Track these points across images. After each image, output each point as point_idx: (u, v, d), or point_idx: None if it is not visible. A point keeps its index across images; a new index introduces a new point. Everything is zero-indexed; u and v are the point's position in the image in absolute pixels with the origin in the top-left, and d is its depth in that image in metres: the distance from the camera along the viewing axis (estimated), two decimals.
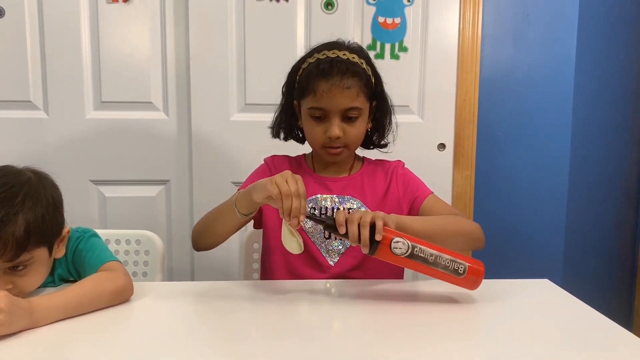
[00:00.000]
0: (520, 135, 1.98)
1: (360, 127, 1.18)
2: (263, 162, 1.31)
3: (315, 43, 1.23)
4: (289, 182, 0.96)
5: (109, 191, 1.86)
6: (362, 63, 1.17)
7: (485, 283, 1.02)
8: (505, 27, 1.92)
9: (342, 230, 0.95)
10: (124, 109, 1.83)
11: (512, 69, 1.94)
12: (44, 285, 1.03)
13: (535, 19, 1.92)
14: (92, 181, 1.84)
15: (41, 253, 0.95)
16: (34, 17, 1.77)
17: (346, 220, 0.95)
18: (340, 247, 1.20)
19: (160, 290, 1.06)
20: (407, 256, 0.96)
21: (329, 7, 1.84)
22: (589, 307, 0.98)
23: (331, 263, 1.20)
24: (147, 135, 1.84)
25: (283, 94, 1.26)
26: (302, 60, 1.21)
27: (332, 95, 1.12)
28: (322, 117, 1.15)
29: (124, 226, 1.44)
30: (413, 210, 1.23)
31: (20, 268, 0.93)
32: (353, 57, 1.16)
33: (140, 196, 1.87)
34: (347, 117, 1.15)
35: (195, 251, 1.25)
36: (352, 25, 1.85)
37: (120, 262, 1.04)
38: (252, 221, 1.24)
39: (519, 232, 2.02)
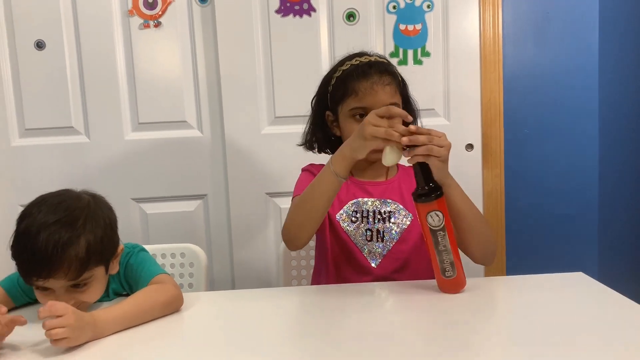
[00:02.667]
0: (548, 132, 1.99)
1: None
2: (302, 170, 1.34)
3: (339, 53, 1.30)
4: (376, 120, 1.01)
5: (150, 208, 1.94)
6: (393, 66, 1.25)
7: (521, 279, 1.05)
8: (526, 26, 1.94)
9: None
10: (160, 129, 1.91)
11: (536, 67, 1.96)
12: (100, 300, 1.10)
13: (556, 16, 1.93)
14: (133, 199, 1.92)
15: (99, 271, 1.02)
16: (72, 47, 1.87)
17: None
18: (381, 249, 1.24)
19: (208, 300, 1.12)
20: (431, 230, 1.00)
21: (351, 18, 1.89)
22: (627, 298, 0.98)
23: (373, 265, 1.24)
24: (183, 152, 1.92)
25: (312, 108, 1.31)
26: (334, 70, 1.26)
27: (375, 92, 1.18)
28: (365, 115, 1.17)
29: (165, 240, 1.51)
30: None
31: (81, 285, 1.00)
32: (385, 60, 1.25)
33: (180, 211, 1.94)
34: None
35: (291, 250, 1.30)
36: (375, 34, 1.90)
37: (169, 274, 1.11)
38: None
39: (551, 229, 2.02)
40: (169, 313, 1.02)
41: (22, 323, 0.90)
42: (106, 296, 1.12)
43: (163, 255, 1.42)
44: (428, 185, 1.00)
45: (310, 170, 1.33)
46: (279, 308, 1.05)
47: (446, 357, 0.80)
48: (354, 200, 1.26)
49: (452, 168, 2.02)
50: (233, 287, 1.96)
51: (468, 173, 1.95)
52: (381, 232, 1.23)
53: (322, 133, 1.30)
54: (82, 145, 1.90)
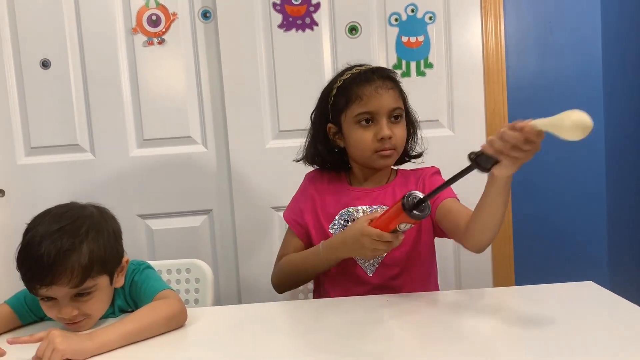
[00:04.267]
0: (554, 142, 1.97)
1: (404, 129, 1.24)
2: (305, 178, 1.37)
3: (342, 67, 1.30)
4: (375, 244, 1.06)
5: (155, 224, 1.94)
6: (395, 73, 1.26)
7: (530, 288, 1.04)
8: (528, 36, 1.94)
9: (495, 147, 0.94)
10: (165, 145, 1.92)
11: (539, 77, 1.95)
12: (106, 316, 1.09)
13: (558, 25, 1.93)
14: (139, 215, 1.92)
15: (103, 281, 1.03)
16: (77, 66, 1.89)
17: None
18: (376, 257, 1.23)
19: (213, 314, 1.12)
20: (393, 230, 1.05)
21: (353, 31, 1.90)
22: (637, 306, 0.97)
23: (369, 274, 1.23)
24: (188, 168, 1.92)
25: (312, 122, 1.31)
26: (334, 81, 1.27)
27: (379, 95, 1.18)
28: (370, 120, 1.19)
29: (171, 256, 1.51)
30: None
31: (84, 295, 1.00)
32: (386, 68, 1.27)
33: (185, 227, 1.94)
34: (393, 116, 1.21)
35: (278, 293, 1.35)
36: (377, 47, 1.91)
37: (173, 290, 1.10)
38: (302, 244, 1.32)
39: (559, 238, 2.00)
40: (173, 328, 1.01)
41: (1, 354, 0.90)
42: (112, 313, 1.12)
43: (169, 271, 1.42)
44: (424, 201, 1.00)
45: (309, 181, 1.34)
46: (284, 322, 1.05)
47: None
48: (344, 210, 1.26)
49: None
50: (239, 302, 1.95)
51: (473, 184, 1.92)
52: None
53: (323, 146, 1.29)
54: (87, 163, 1.91)
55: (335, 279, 1.26)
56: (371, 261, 1.23)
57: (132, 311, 1.10)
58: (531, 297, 1.09)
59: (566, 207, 2.00)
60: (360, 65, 1.26)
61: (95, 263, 0.99)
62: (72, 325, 1.02)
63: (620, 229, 2.02)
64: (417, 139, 1.32)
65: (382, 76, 1.22)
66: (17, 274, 1.00)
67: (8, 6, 1.85)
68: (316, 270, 1.24)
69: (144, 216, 1.93)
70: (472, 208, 1.10)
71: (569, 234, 2.00)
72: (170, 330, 1.00)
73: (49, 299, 1.00)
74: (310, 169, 1.36)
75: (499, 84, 1.92)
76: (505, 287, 1.27)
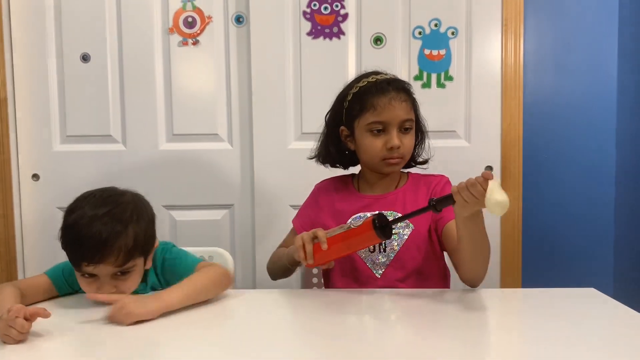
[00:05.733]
0: (566, 157, 2.04)
1: (413, 139, 1.31)
2: (314, 188, 1.45)
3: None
4: (299, 247, 1.16)
5: (179, 215, 2.03)
6: (409, 85, 1.32)
7: (535, 291, 1.09)
8: (547, 54, 2.01)
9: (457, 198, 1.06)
10: (193, 141, 2.01)
11: (555, 95, 2.02)
12: (137, 292, 1.18)
13: (575, 45, 2.00)
14: (164, 206, 2.02)
15: (140, 262, 1.12)
16: (115, 61, 1.99)
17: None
18: (384, 259, 1.29)
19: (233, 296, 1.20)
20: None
21: (378, 42, 1.98)
22: (636, 312, 1.01)
23: (377, 275, 1.29)
24: (214, 163, 2.02)
25: (326, 123, 1.38)
26: (350, 87, 1.32)
27: (392, 107, 1.24)
28: (381, 130, 1.26)
29: (192, 246, 1.59)
30: (437, 228, 1.29)
31: (124, 274, 1.09)
32: (401, 79, 1.32)
33: (207, 219, 2.03)
34: (404, 128, 1.27)
35: (273, 280, 1.43)
36: (400, 58, 1.99)
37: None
38: None
39: (567, 250, 2.06)
40: (223, 289, 1.13)
41: (45, 316, 0.94)
42: (143, 289, 1.20)
43: None
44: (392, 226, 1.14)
45: (316, 192, 1.43)
46: (297, 308, 1.12)
47: None
48: (355, 216, 1.31)
49: None
50: None
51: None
52: (383, 244, 1.28)
53: (335, 147, 1.36)
54: (118, 153, 2.01)
55: (343, 279, 1.32)
56: (379, 261, 1.29)
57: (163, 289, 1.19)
58: (533, 301, 1.15)
59: (576, 220, 2.05)
60: (377, 74, 1.31)
61: (138, 246, 1.08)
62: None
63: (628, 236, 2.06)
64: (424, 146, 1.38)
65: (397, 88, 1.27)
66: (52, 250, 1.08)
67: (55, 3, 1.96)
68: (289, 261, 1.29)
69: (169, 207, 2.02)
70: None
71: (577, 247, 2.05)
72: (221, 292, 1.12)
73: (90, 275, 1.08)
74: (322, 168, 1.43)
75: (516, 99, 1.99)
76: (510, 289, 1.32)
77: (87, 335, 0.96)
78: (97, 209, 1.06)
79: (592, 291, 1.18)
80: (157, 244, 1.19)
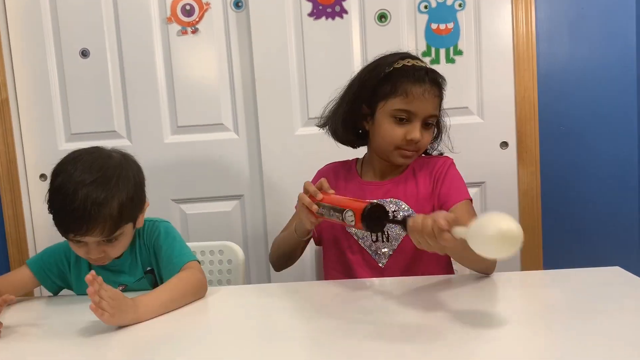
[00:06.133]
0: (585, 128, 1.96)
1: (432, 134, 1.27)
2: (317, 173, 1.40)
3: (371, 54, 1.31)
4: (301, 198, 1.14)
5: (189, 208, 2.01)
6: (444, 79, 1.25)
7: (557, 273, 1.04)
8: (560, 22, 1.92)
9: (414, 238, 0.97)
10: (198, 132, 1.98)
11: (571, 63, 1.93)
12: (133, 276, 1.19)
13: (590, 11, 1.91)
14: (173, 200, 1.99)
15: (128, 227, 1.11)
16: (115, 55, 1.96)
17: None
18: (387, 250, 1.26)
19: (236, 293, 1.18)
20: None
21: (383, 19, 1.91)
22: None
23: (381, 265, 1.26)
24: (220, 154, 1.98)
25: (352, 93, 1.26)
26: (382, 64, 1.23)
27: (424, 100, 1.19)
28: (406, 119, 1.20)
29: (204, 239, 1.56)
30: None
31: (112, 241, 1.09)
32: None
33: (218, 211, 2.00)
34: (426, 122, 1.22)
35: (277, 272, 1.38)
36: (406, 35, 1.92)
37: (197, 260, 1.17)
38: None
39: (589, 226, 1.99)
40: (198, 298, 1.09)
41: (11, 301, 1.01)
42: (135, 266, 1.18)
43: (202, 253, 1.48)
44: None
45: (318, 175, 1.37)
46: (307, 299, 1.09)
47: (480, 349, 0.81)
48: None
49: (487, 166, 2.06)
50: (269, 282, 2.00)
51: (503, 171, 1.94)
52: (385, 232, 1.25)
53: (347, 123, 1.28)
54: (124, 149, 1.89)
55: (351, 267, 1.29)
56: (383, 252, 1.25)
57: (151, 270, 1.20)
58: (557, 281, 1.10)
59: (597, 195, 1.98)
60: (413, 58, 1.23)
61: (124, 214, 1.06)
62: (96, 262, 1.11)
63: None
64: (440, 141, 1.34)
65: (433, 81, 1.21)
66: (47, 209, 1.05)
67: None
68: (289, 243, 1.28)
69: (178, 201, 2.00)
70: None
71: (600, 223, 1.99)
72: (195, 300, 1.09)
73: (79, 242, 1.08)
74: (330, 153, 1.38)
75: (530, 71, 1.91)
76: (531, 271, 1.28)
77: (85, 335, 0.94)
78: (82, 175, 1.03)
79: (617, 270, 1.13)
80: (147, 204, 1.17)
